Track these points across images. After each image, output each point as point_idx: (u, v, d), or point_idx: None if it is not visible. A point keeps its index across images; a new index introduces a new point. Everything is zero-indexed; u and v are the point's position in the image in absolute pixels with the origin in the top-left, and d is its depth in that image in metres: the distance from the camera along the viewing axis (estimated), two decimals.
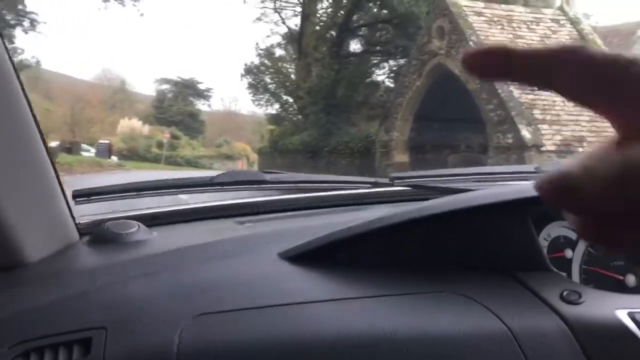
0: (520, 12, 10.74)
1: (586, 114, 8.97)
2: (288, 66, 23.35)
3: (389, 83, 17.43)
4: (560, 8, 10.96)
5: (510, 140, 8.63)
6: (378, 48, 17.69)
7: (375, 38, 17.98)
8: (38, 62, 30.81)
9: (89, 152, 27.31)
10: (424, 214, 0.77)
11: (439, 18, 10.64)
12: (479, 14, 10.37)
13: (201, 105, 43.78)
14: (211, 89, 50.29)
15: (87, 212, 1.00)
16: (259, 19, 22.45)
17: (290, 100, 21.85)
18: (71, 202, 0.90)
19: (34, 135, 0.76)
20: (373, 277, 0.73)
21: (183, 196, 1.20)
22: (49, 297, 0.68)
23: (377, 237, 0.78)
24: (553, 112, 8.88)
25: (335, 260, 0.77)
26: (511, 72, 0.24)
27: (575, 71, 0.23)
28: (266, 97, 23.82)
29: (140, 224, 0.92)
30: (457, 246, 0.77)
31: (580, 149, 8.50)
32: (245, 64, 23.89)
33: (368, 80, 17.68)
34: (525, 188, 0.80)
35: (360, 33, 18.31)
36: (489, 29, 10.12)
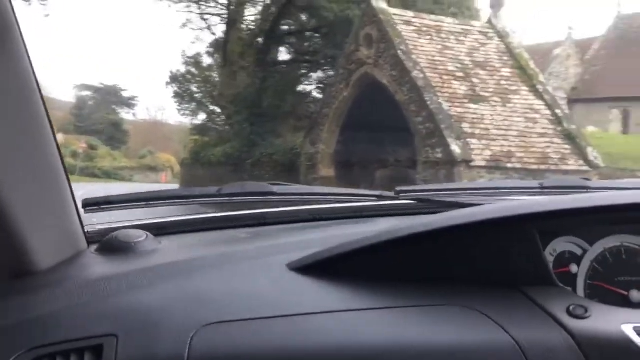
0: (449, 23, 10.42)
1: (515, 129, 8.65)
2: (215, 75, 22.34)
3: (318, 94, 16.79)
4: (489, 21, 10.77)
5: (439, 155, 8.11)
6: (307, 58, 17.03)
7: (304, 47, 17.33)
8: None
9: None
10: (432, 228, 0.78)
11: (368, 25, 10.09)
12: (408, 23, 9.92)
13: (125, 114, 41.75)
14: (136, 97, 48.25)
15: (96, 221, 1.00)
16: (184, 25, 21.22)
17: (218, 110, 20.86)
18: (81, 211, 0.91)
19: (49, 144, 0.77)
20: (381, 289, 0.74)
21: (191, 206, 1.19)
22: (60, 304, 0.69)
23: (385, 249, 0.78)
24: (482, 126, 8.49)
25: (343, 271, 0.77)
26: None
27: None
28: (192, 106, 22.84)
29: (148, 233, 0.93)
30: (464, 260, 0.78)
31: (509, 165, 8.12)
32: (171, 72, 22.68)
33: (296, 90, 16.95)
34: (532, 203, 0.81)
35: (289, 41, 17.60)
36: (418, 38, 9.68)
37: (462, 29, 10.30)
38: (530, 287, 0.74)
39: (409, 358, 0.63)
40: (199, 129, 22.50)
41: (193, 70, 22.56)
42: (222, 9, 19.51)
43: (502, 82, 9.43)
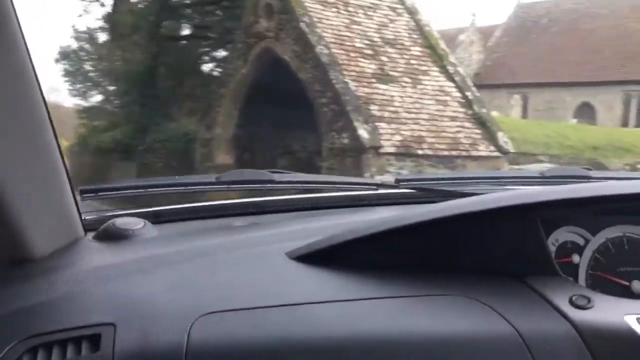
0: None
1: (425, 112, 8.01)
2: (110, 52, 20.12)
3: (219, 74, 15.41)
4: None
5: (345, 141, 7.28)
6: (208, 34, 15.51)
7: (203, 21, 15.77)
8: None
9: None
10: (434, 217, 0.77)
11: None
12: None
13: None
14: None
15: (93, 208, 0.99)
16: None
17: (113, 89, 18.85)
18: (78, 198, 0.89)
19: (47, 131, 0.75)
20: (381, 278, 0.74)
21: (190, 194, 1.18)
22: (57, 292, 0.68)
23: (386, 238, 0.77)
24: (391, 108, 7.76)
25: (343, 261, 0.77)
26: None
27: None
28: (85, 86, 20.52)
29: (146, 221, 0.91)
30: (465, 249, 0.77)
31: (420, 151, 7.48)
32: (61, 47, 20.16)
33: (196, 69, 15.40)
34: (536, 192, 0.81)
35: (185, 14, 15.95)
36: (323, 10, 8.73)
37: (371, 3, 9.50)
38: (532, 277, 0.74)
39: (409, 348, 0.62)
40: (88, 112, 20.18)
41: (86, 46, 20.33)
42: None
43: (413, 62, 8.78)
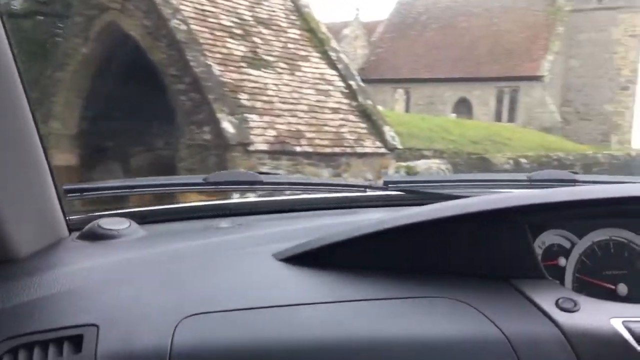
0: None
1: (305, 102, 6.94)
2: None
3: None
4: None
5: (208, 136, 5.95)
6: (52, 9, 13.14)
7: None
8: None
9: None
10: (422, 219, 0.76)
11: None
12: None
13: None
14: None
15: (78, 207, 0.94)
16: None
17: None
18: (62, 197, 0.87)
19: (31, 129, 0.75)
20: (369, 280, 0.74)
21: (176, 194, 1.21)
22: (38, 293, 0.67)
23: (373, 241, 0.77)
24: (265, 98, 6.57)
25: (330, 263, 0.76)
26: None
27: None
28: None
29: (131, 221, 0.90)
30: (453, 252, 0.77)
31: (298, 148, 6.38)
32: None
33: (44, 49, 12.94)
34: (523, 195, 0.80)
35: None
36: None
37: None
38: (519, 280, 0.74)
39: (396, 350, 0.62)
40: None
41: None
42: None
43: (290, 46, 7.66)
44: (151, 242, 0.84)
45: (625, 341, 0.64)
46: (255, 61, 6.94)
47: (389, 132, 7.45)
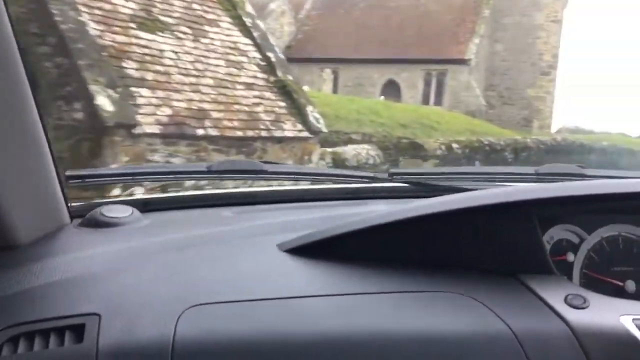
0: None
1: (211, 75, 5.72)
2: None
3: None
4: None
5: (79, 115, 4.61)
6: None
7: None
8: None
9: None
10: (431, 212, 0.75)
11: None
12: None
13: None
14: None
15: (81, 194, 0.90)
16: None
17: None
18: (65, 184, 0.86)
19: (33, 115, 0.74)
20: (374, 273, 0.73)
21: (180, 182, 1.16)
22: (40, 280, 0.66)
23: (379, 233, 0.76)
24: (159, 68, 5.29)
25: (335, 254, 0.75)
26: None
27: None
28: None
29: (134, 209, 0.89)
30: (461, 245, 0.76)
31: (201, 131, 5.18)
32: None
33: None
34: (535, 188, 0.78)
35: None
36: None
37: None
38: (527, 275, 0.73)
39: (401, 343, 0.61)
40: None
41: None
42: None
43: (195, 7, 6.37)
44: (154, 231, 0.83)
45: (636, 339, 0.64)
46: (148, 22, 5.61)
47: (312, 112, 6.42)
